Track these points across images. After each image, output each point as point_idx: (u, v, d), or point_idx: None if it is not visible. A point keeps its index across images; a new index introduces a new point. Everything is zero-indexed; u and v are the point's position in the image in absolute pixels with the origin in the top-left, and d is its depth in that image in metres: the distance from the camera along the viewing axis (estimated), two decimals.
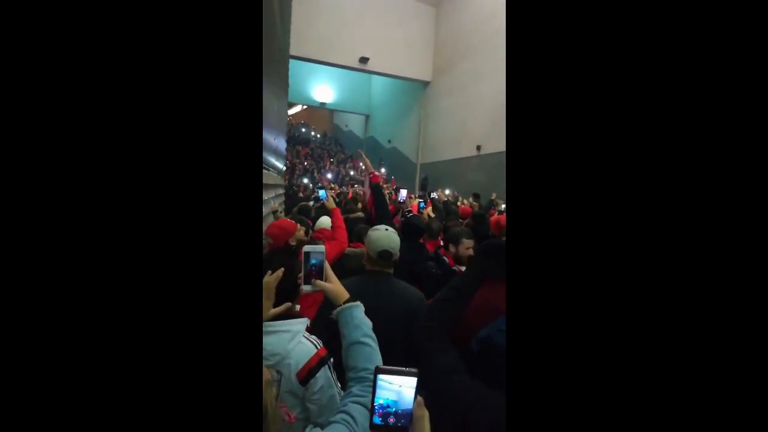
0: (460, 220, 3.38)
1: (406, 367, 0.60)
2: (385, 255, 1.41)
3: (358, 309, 0.86)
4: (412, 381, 0.60)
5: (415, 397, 0.59)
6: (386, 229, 1.47)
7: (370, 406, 0.61)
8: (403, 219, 3.17)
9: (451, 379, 0.78)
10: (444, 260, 2.05)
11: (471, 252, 1.96)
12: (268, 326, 0.92)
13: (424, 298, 1.42)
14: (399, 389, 0.61)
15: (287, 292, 0.96)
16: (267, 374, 0.65)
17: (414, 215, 2.79)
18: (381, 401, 0.61)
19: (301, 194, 6.33)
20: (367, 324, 0.85)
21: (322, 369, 0.93)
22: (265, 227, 1.85)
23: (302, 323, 1.00)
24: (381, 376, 0.60)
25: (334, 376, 0.94)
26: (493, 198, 6.16)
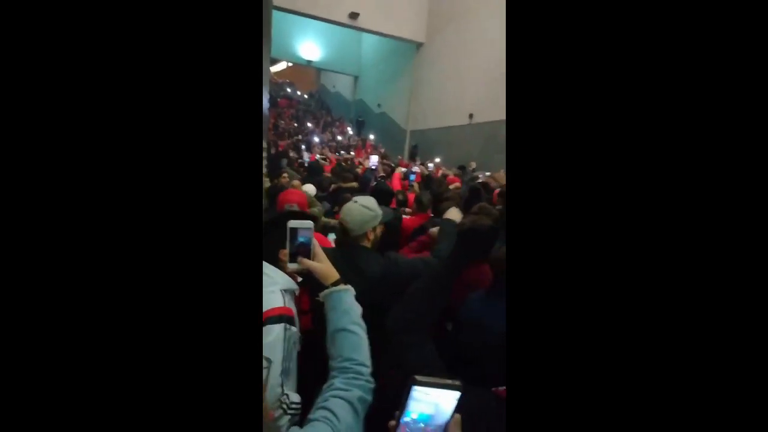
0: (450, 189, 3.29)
1: (449, 379, 0.51)
2: (343, 230, 1.35)
3: (348, 293, 0.79)
4: (454, 395, 0.50)
5: (453, 415, 0.51)
6: (354, 202, 1.37)
7: (396, 418, 0.52)
8: (374, 185, 3.09)
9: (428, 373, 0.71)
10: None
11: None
12: None
13: (394, 262, 1.33)
14: (437, 403, 0.52)
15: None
16: None
17: (381, 181, 2.67)
18: (413, 415, 0.51)
19: (280, 151, 6.00)
20: (357, 310, 0.78)
21: (277, 326, 0.81)
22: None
23: (287, 279, 0.94)
24: (417, 388, 0.50)
25: (292, 350, 0.83)
26: (472, 168, 6.06)
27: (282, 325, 0.83)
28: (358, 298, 0.82)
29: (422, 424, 0.52)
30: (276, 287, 0.91)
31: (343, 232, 1.37)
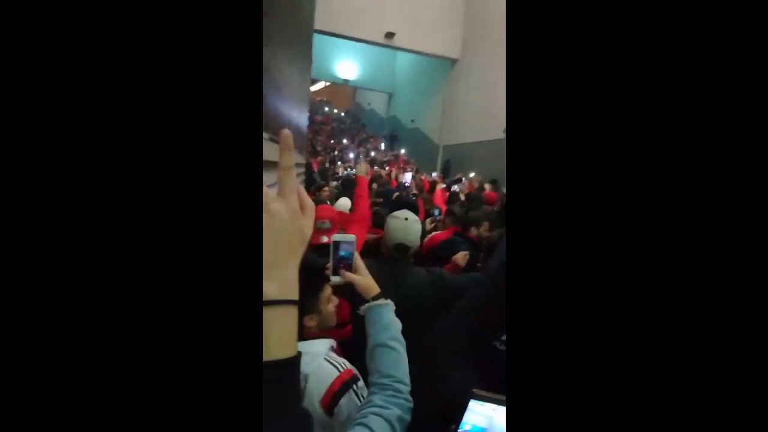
0: (485, 207, 3.28)
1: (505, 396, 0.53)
2: (400, 248, 1.31)
3: (388, 308, 0.78)
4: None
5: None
6: (405, 219, 1.34)
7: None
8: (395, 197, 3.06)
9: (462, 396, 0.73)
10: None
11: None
12: None
13: (440, 278, 1.31)
14: (491, 417, 0.54)
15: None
16: None
17: (404, 194, 2.68)
18: (466, 427, 0.54)
19: (314, 170, 6.23)
20: (397, 326, 0.77)
21: (347, 395, 0.78)
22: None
23: (325, 344, 0.89)
24: (474, 401, 0.53)
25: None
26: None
27: (350, 391, 0.79)
28: (401, 314, 0.79)
29: None
30: (318, 358, 0.84)
31: (397, 249, 1.32)
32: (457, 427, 0.53)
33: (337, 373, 0.81)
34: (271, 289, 0.39)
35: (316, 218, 1.48)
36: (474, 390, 0.53)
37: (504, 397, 0.52)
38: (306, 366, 0.81)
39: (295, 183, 0.42)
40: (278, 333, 0.39)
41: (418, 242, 1.35)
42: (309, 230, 0.42)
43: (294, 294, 0.41)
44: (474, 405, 0.53)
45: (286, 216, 0.40)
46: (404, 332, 0.77)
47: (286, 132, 0.41)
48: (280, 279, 0.39)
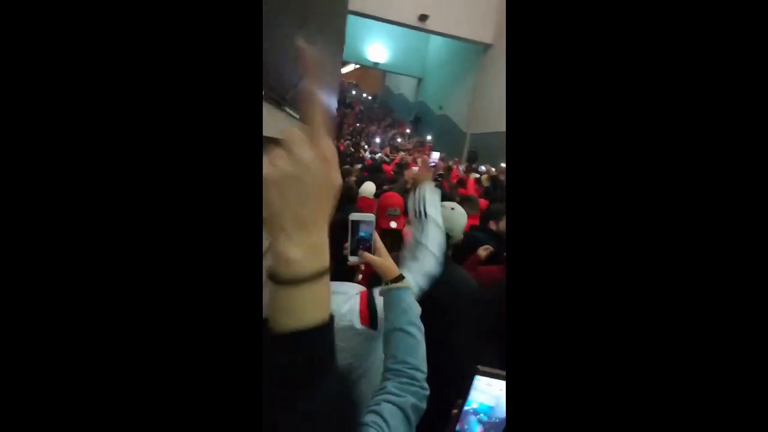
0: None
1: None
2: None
3: (407, 292, 0.76)
4: None
5: None
6: (452, 209, 1.30)
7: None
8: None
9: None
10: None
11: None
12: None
13: (479, 289, 1.30)
14: (499, 394, 0.51)
15: None
16: None
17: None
18: (474, 405, 0.51)
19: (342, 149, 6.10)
20: (415, 310, 0.74)
21: (376, 301, 0.83)
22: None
23: (358, 288, 0.92)
24: (479, 377, 0.51)
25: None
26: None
27: (374, 299, 0.85)
28: (436, 308, 0.79)
29: (483, 415, 0.51)
30: (354, 298, 0.88)
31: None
32: (464, 402, 0.51)
33: (358, 293, 0.87)
34: (297, 255, 0.33)
35: (387, 205, 1.52)
36: (478, 366, 0.51)
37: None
38: (342, 305, 0.85)
39: (325, 121, 0.34)
40: (311, 304, 0.34)
41: (461, 233, 1.32)
42: (339, 182, 0.35)
43: (324, 261, 0.35)
44: (480, 383, 0.51)
45: (317, 165, 0.32)
46: (435, 325, 0.75)
47: (302, 43, 0.32)
48: (308, 243, 0.33)
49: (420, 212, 1.00)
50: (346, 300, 0.87)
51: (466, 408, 0.51)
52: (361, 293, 0.89)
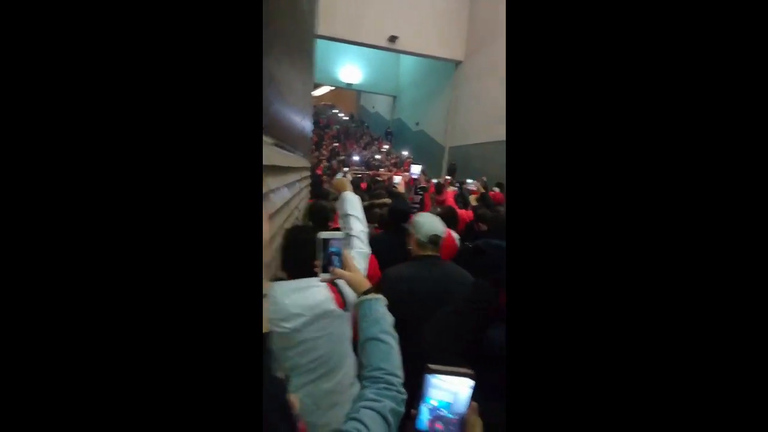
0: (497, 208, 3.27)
1: (461, 367, 0.53)
2: (434, 239, 1.49)
3: (379, 302, 0.79)
4: (469, 383, 0.53)
5: (470, 402, 0.53)
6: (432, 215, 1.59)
7: (404, 408, 0.56)
8: (415, 195, 3.13)
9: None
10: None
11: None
12: (287, 285, 1.04)
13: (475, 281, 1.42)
14: (455, 391, 0.54)
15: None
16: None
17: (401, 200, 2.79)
18: (433, 402, 0.55)
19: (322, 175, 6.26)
20: (388, 320, 0.78)
21: (341, 286, 1.04)
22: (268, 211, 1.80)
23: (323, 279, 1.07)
24: (433, 376, 0.54)
25: None
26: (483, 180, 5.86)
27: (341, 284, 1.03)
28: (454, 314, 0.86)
29: (443, 411, 0.55)
30: (323, 286, 1.08)
31: (431, 240, 1.50)
32: (421, 401, 0.53)
33: (325, 283, 1.03)
34: None
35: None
36: (429, 365, 0.53)
37: (461, 369, 0.52)
38: (318, 295, 1.06)
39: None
40: None
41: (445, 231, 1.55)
42: None
43: None
44: (435, 380, 0.53)
45: None
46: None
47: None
48: None
49: (344, 212, 1.32)
50: (320, 290, 1.07)
51: (424, 406, 0.53)
52: (327, 282, 1.06)
